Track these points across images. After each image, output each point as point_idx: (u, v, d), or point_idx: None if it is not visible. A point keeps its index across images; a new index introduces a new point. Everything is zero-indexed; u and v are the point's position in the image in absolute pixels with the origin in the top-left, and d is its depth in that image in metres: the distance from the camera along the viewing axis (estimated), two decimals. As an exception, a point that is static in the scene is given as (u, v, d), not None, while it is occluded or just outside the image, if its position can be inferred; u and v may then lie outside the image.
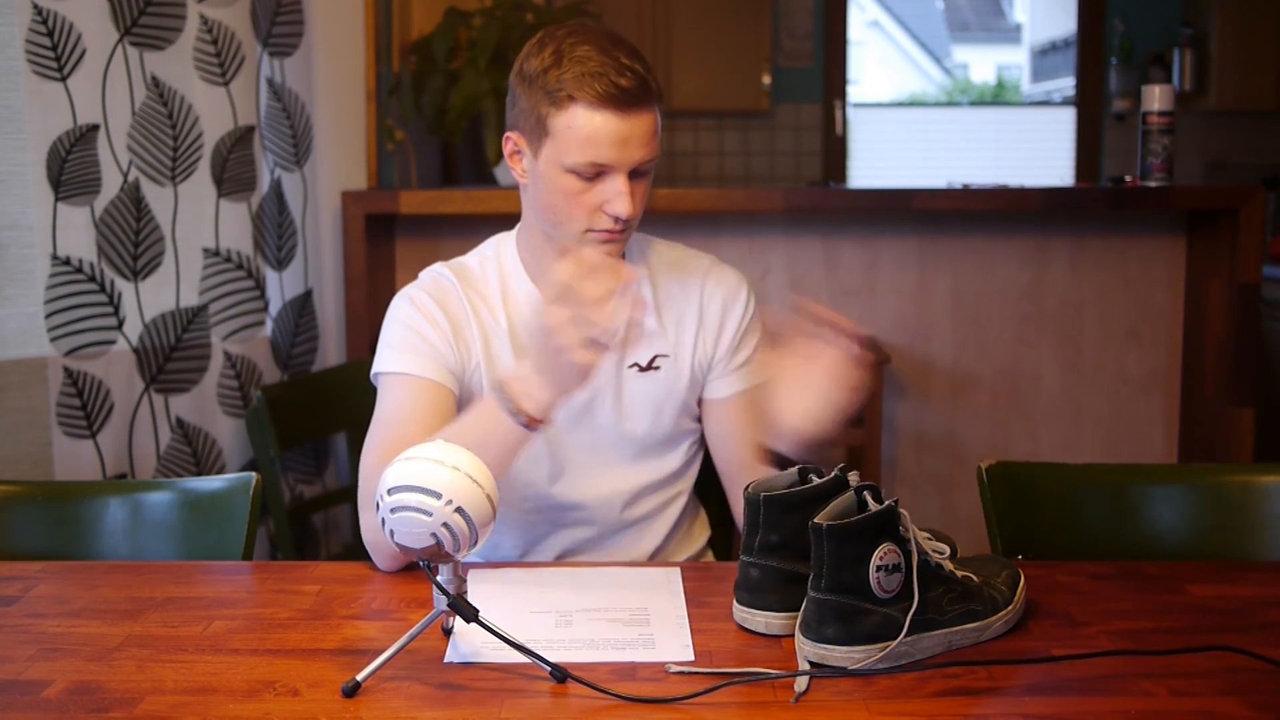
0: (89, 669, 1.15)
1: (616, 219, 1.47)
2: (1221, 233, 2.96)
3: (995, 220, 3.14)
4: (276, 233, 2.79)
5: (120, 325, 2.42)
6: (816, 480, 1.25)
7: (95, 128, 2.35)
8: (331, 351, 3.00)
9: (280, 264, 2.81)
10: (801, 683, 1.09)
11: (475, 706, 1.06)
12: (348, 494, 2.91)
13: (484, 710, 1.05)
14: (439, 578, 1.13)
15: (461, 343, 1.56)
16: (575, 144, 1.44)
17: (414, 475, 1.09)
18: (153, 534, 1.61)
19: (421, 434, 1.43)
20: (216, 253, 2.60)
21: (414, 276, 1.64)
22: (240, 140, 2.63)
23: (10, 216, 2.26)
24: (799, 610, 1.17)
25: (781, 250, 3.16)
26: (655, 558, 1.66)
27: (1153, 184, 2.91)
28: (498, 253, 1.63)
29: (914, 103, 8.85)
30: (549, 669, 1.11)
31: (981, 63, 10.43)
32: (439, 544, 1.09)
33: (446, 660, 1.16)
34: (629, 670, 1.14)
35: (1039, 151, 5.58)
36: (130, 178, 2.42)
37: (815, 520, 1.13)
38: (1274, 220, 4.66)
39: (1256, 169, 4.96)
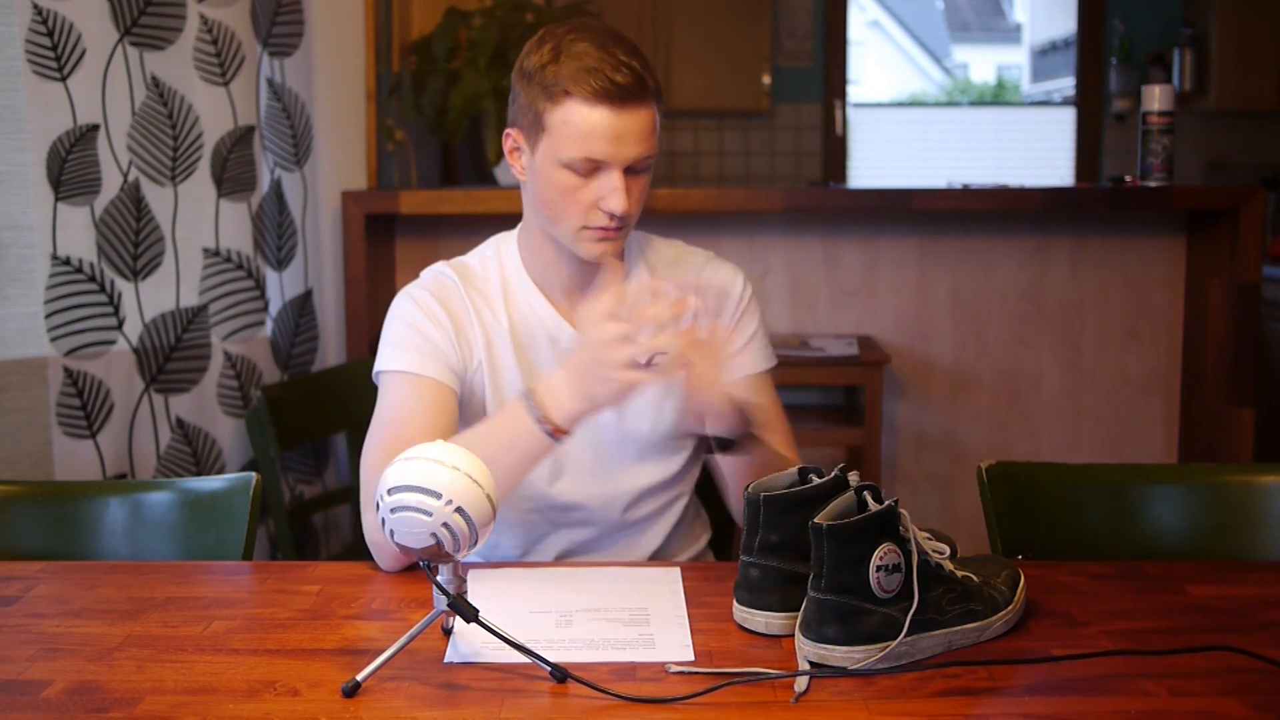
0: (89, 669, 1.14)
1: (612, 215, 1.46)
2: (1221, 233, 2.96)
3: (995, 220, 3.14)
4: (276, 233, 2.80)
5: (120, 325, 2.42)
6: (816, 480, 1.25)
7: (95, 128, 2.35)
8: (331, 351, 3.00)
9: (280, 264, 2.81)
10: (801, 683, 1.09)
11: (475, 706, 1.06)
12: (348, 494, 2.91)
13: (484, 710, 1.05)
14: (439, 578, 1.13)
15: (464, 342, 1.56)
16: (571, 139, 1.44)
17: (414, 475, 1.09)
18: (153, 534, 1.61)
19: (423, 433, 1.43)
20: (216, 253, 2.60)
21: (414, 276, 1.64)
22: (240, 140, 2.63)
23: (10, 216, 2.26)
24: (799, 610, 1.17)
25: (781, 250, 3.16)
26: (655, 558, 1.66)
27: (1153, 184, 2.91)
28: (498, 252, 1.63)
29: (914, 103, 8.86)
30: (549, 669, 1.11)
31: (981, 63, 10.43)
32: (439, 544, 1.09)
33: (446, 660, 1.16)
34: (629, 670, 1.14)
35: (1039, 151, 5.58)
36: (130, 178, 2.42)
37: (815, 520, 1.13)
38: (1274, 220, 4.66)
39: (1256, 169, 4.96)
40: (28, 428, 2.29)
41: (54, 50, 2.27)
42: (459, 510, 1.08)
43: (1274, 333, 4.12)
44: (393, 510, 1.09)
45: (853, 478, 1.23)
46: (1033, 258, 3.14)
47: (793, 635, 1.18)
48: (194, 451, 2.57)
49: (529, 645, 1.12)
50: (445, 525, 1.08)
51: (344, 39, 3.02)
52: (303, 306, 2.88)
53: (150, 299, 2.47)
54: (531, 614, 1.27)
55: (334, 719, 1.04)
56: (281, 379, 2.81)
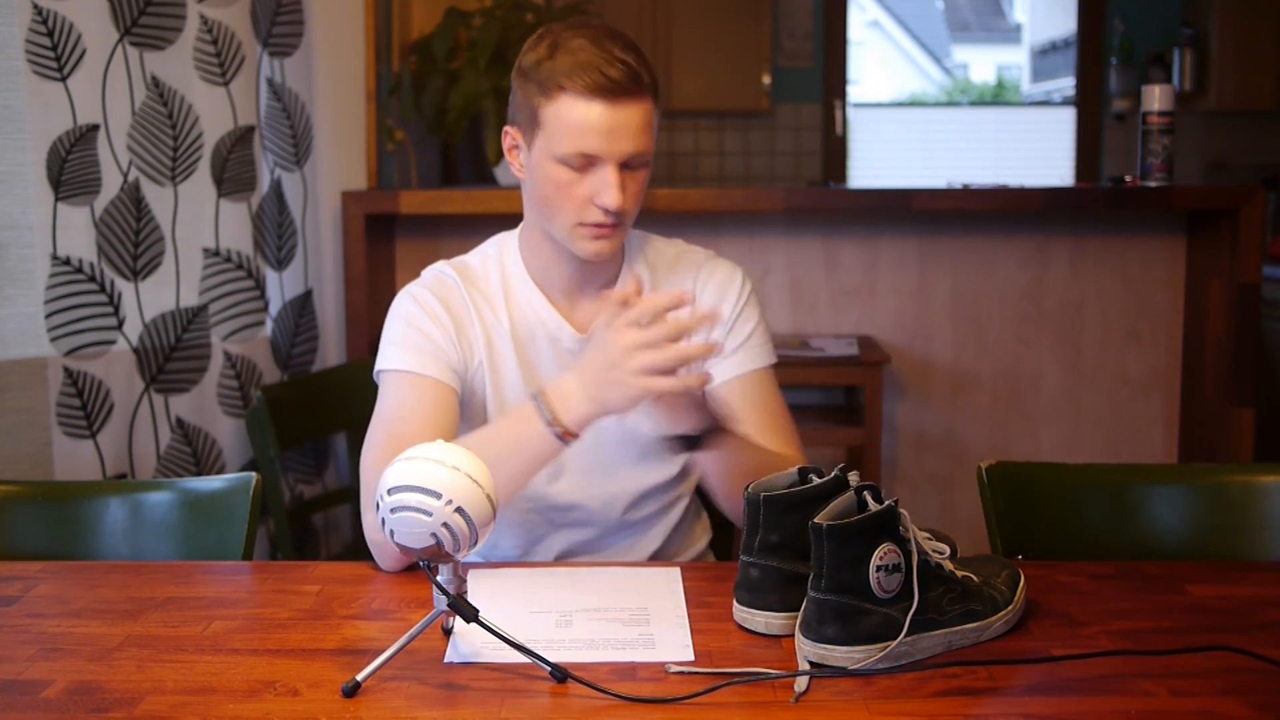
0: (89, 669, 1.14)
1: (607, 211, 1.46)
2: (1221, 233, 2.96)
3: (995, 220, 3.14)
4: (276, 233, 2.80)
5: (120, 325, 2.42)
6: (816, 480, 1.25)
7: (95, 128, 2.35)
8: (331, 351, 3.00)
9: (280, 264, 2.81)
10: (801, 683, 1.09)
11: (475, 706, 1.06)
12: (348, 494, 2.91)
13: (484, 710, 1.05)
14: (439, 578, 1.13)
15: (464, 341, 1.56)
16: (564, 134, 1.44)
17: (414, 475, 1.09)
18: (153, 534, 1.61)
19: (423, 432, 1.43)
20: (216, 253, 2.60)
21: (414, 276, 1.64)
22: (240, 140, 2.63)
23: (10, 216, 2.26)
24: (799, 610, 1.17)
25: (781, 250, 3.16)
26: (655, 559, 1.65)
27: (1153, 184, 2.91)
28: (500, 252, 1.63)
29: (914, 103, 8.86)
30: (549, 669, 1.11)
31: (981, 63, 10.43)
32: (439, 544, 1.09)
33: (446, 660, 1.16)
34: (629, 670, 1.14)
35: (1039, 151, 5.58)
36: (130, 178, 2.42)
37: (815, 520, 1.13)
38: (1274, 220, 4.66)
39: (1256, 169, 4.96)
40: (28, 428, 2.29)
41: (54, 50, 2.27)
42: (459, 510, 1.08)
43: (1274, 333, 4.12)
44: (393, 510, 1.09)
45: (853, 478, 1.23)
46: (1033, 258, 3.14)
47: (793, 635, 1.18)
48: (194, 451, 2.57)
49: (529, 645, 1.12)
50: (445, 525, 1.08)
51: (344, 39, 3.02)
52: (303, 306, 2.88)
53: (150, 299, 2.47)
54: (531, 614, 1.27)
55: (334, 719, 1.04)
56: (281, 379, 2.81)
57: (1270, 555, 1.58)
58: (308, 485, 2.88)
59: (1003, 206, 3.04)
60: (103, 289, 2.39)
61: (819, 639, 1.13)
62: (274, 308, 2.78)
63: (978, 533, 1.72)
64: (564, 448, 1.39)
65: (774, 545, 1.23)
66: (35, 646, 1.20)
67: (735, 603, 1.24)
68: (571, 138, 1.44)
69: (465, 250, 1.67)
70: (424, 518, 1.08)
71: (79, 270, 2.34)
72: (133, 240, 2.43)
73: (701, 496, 1.77)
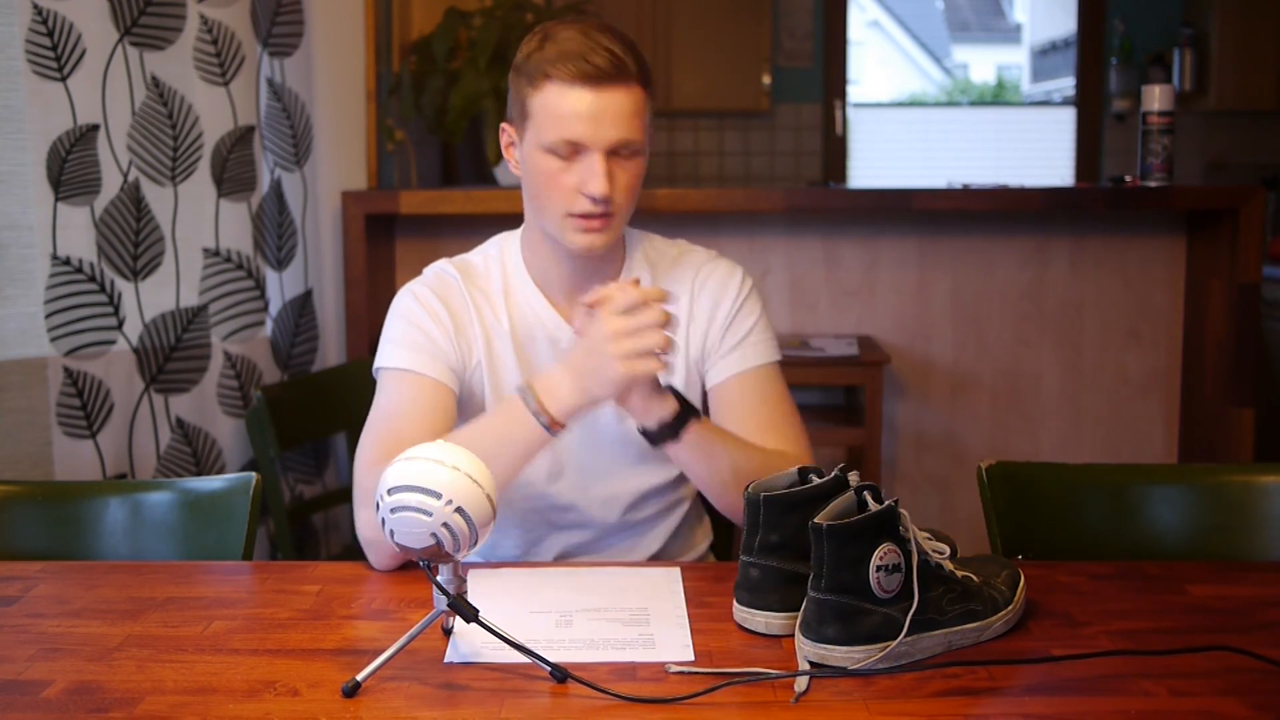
0: (89, 669, 1.14)
1: (594, 200, 1.46)
2: (1221, 233, 2.96)
3: (995, 220, 3.14)
4: (276, 233, 2.80)
5: (120, 325, 2.42)
6: (816, 480, 1.25)
7: (95, 128, 2.35)
8: (331, 351, 3.00)
9: (280, 264, 2.81)
10: (801, 683, 1.09)
11: (475, 706, 1.06)
12: (348, 494, 2.90)
13: (484, 710, 1.05)
14: (439, 578, 1.13)
15: (463, 340, 1.56)
16: (550, 122, 1.45)
17: (414, 475, 1.09)
18: (153, 534, 1.61)
19: (419, 431, 1.44)
20: (216, 253, 2.60)
21: (414, 276, 1.63)
22: (240, 140, 2.63)
23: (10, 216, 2.26)
24: (799, 610, 1.17)
25: (781, 250, 3.16)
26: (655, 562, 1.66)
27: (1153, 184, 2.91)
28: (501, 251, 1.63)
29: (914, 103, 8.86)
30: (549, 669, 1.11)
31: (981, 63, 10.43)
32: (439, 544, 1.09)
33: (446, 660, 1.16)
34: (629, 670, 1.13)
35: (1039, 151, 5.57)
36: (130, 178, 2.42)
37: (815, 520, 1.13)
38: (1274, 220, 4.66)
39: (1256, 169, 4.96)
40: (28, 428, 2.29)
41: (54, 50, 2.27)
42: (459, 510, 1.08)
43: (1274, 333, 4.12)
44: (393, 510, 1.09)
45: (853, 478, 1.23)
46: (1033, 258, 3.14)
47: (793, 635, 1.18)
48: (194, 451, 2.57)
49: (529, 645, 1.12)
50: (445, 525, 1.08)
51: (344, 39, 3.02)
52: (303, 306, 2.88)
53: (150, 299, 2.47)
54: (531, 614, 1.27)
55: (334, 719, 1.04)
56: (281, 379, 2.81)
57: (1270, 555, 1.58)
58: (308, 485, 2.88)
59: (1003, 206, 3.04)
60: (103, 289, 2.39)
61: (819, 639, 1.13)
62: (274, 308, 2.78)
63: (978, 533, 1.72)
64: (552, 438, 1.40)
65: (774, 545, 1.23)
66: (35, 646, 1.20)
67: (735, 603, 1.24)
68: (557, 125, 1.44)
69: (465, 250, 1.67)
70: (424, 518, 1.08)
71: (79, 270, 2.34)
72: (133, 240, 2.43)
73: (704, 500, 1.76)
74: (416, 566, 1.41)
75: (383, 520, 1.10)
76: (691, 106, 5.05)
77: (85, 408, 2.36)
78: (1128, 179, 3.03)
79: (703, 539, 1.75)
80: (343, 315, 3.00)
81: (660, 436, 1.43)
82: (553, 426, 1.39)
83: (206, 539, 1.58)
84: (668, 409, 1.42)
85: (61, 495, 1.67)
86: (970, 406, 3.19)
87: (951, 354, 3.17)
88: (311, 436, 2.81)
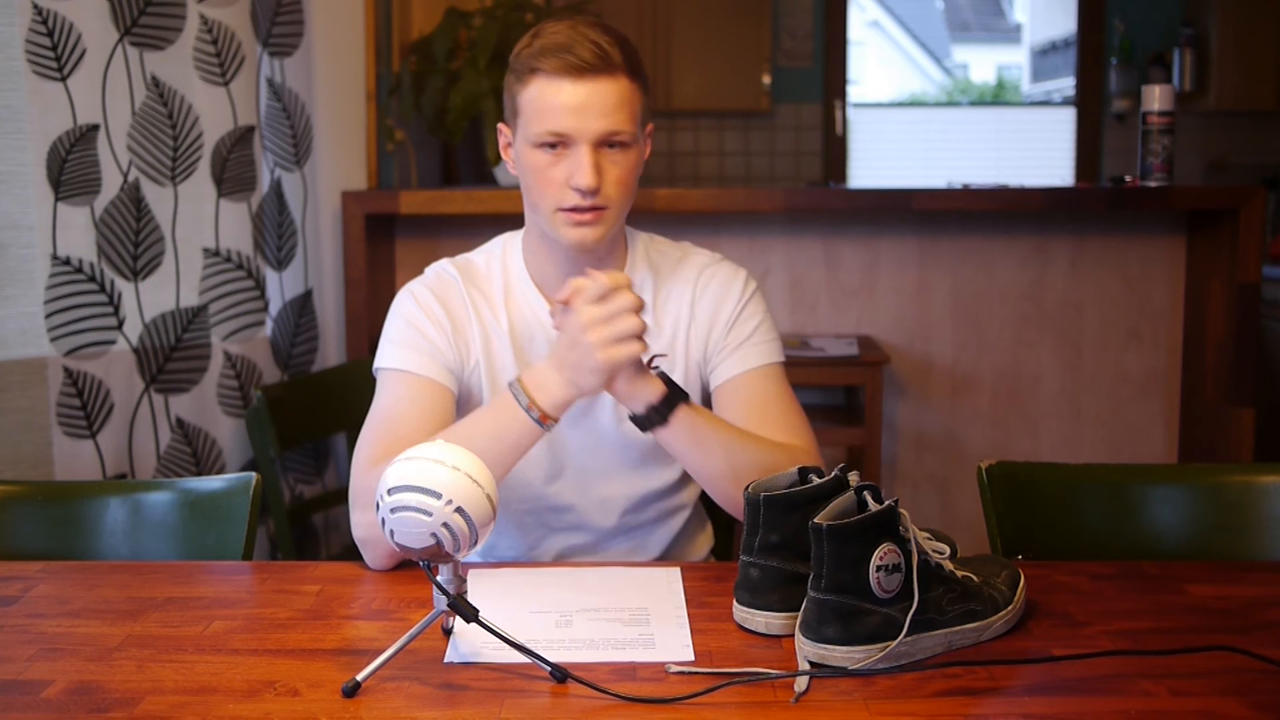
0: (89, 669, 1.14)
1: (582, 193, 1.46)
2: (1221, 233, 2.96)
3: (995, 220, 3.14)
4: (276, 233, 2.80)
5: (120, 325, 2.42)
6: (816, 480, 1.25)
7: (95, 128, 2.35)
8: (331, 351, 3.00)
9: (280, 264, 2.81)
10: (801, 683, 1.09)
11: (475, 706, 1.06)
12: (347, 494, 2.91)
13: (484, 710, 1.05)
14: (439, 578, 1.13)
15: (461, 341, 1.56)
16: (537, 115, 1.46)
17: (414, 475, 1.09)
18: (153, 534, 1.61)
19: (417, 432, 1.44)
20: (216, 253, 2.60)
21: (414, 276, 1.64)
22: (240, 140, 2.63)
23: (10, 216, 2.26)
24: (799, 610, 1.17)
25: (781, 250, 3.16)
26: (654, 565, 1.65)
27: (1153, 184, 2.91)
28: (504, 251, 1.63)
29: (914, 103, 8.85)
30: (549, 669, 1.11)
31: (981, 63, 10.43)
32: (439, 544, 1.09)
33: (446, 660, 1.16)
34: (629, 670, 1.13)
35: (1039, 151, 5.57)
36: (130, 178, 2.42)
37: (815, 520, 1.13)
38: (1274, 220, 4.66)
39: (1256, 169, 4.96)
40: (28, 428, 2.29)
41: (54, 50, 2.27)
42: (459, 510, 1.08)
43: (1274, 333, 4.12)
44: (393, 510, 1.09)
45: (853, 478, 1.23)
46: (1033, 258, 3.14)
47: (793, 635, 1.18)
48: (194, 451, 2.57)
49: (529, 645, 1.12)
50: (445, 525, 1.08)
51: (344, 39, 3.02)
52: (303, 306, 2.88)
53: (150, 299, 2.47)
54: (531, 614, 1.27)
55: (334, 719, 1.04)
56: (281, 379, 2.81)
57: (1270, 555, 1.58)
58: (308, 485, 2.88)
59: (1003, 206, 3.04)
60: (103, 289, 2.39)
61: (819, 639, 1.13)
62: (274, 308, 2.78)
63: (978, 533, 1.72)
64: (543, 432, 1.41)
65: (774, 545, 1.23)
66: (35, 646, 1.20)
67: (735, 603, 1.24)
68: (543, 118, 1.45)
69: (464, 251, 1.67)
70: (424, 518, 1.08)
71: (79, 270, 2.34)
72: (133, 240, 2.43)
73: (706, 505, 1.76)
74: (415, 565, 1.41)
75: (383, 520, 1.10)
76: (691, 106, 5.05)
77: (85, 408, 2.36)
78: (1128, 179, 3.03)
79: (704, 545, 1.75)
80: (343, 315, 3.00)
81: (649, 421, 1.43)
82: (544, 420, 1.40)
83: (206, 539, 1.58)
84: (654, 392, 1.42)
85: (61, 495, 1.67)
86: (970, 406, 3.19)
87: (951, 354, 3.17)
88: (311, 436, 2.81)
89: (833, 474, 1.25)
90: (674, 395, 1.43)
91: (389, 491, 1.10)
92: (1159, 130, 2.89)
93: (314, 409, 2.73)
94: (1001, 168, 5.70)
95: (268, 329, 2.75)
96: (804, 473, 1.27)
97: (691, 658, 1.16)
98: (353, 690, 1.08)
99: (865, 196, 3.25)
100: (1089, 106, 5.25)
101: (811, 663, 1.13)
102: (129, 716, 1.05)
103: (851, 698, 1.07)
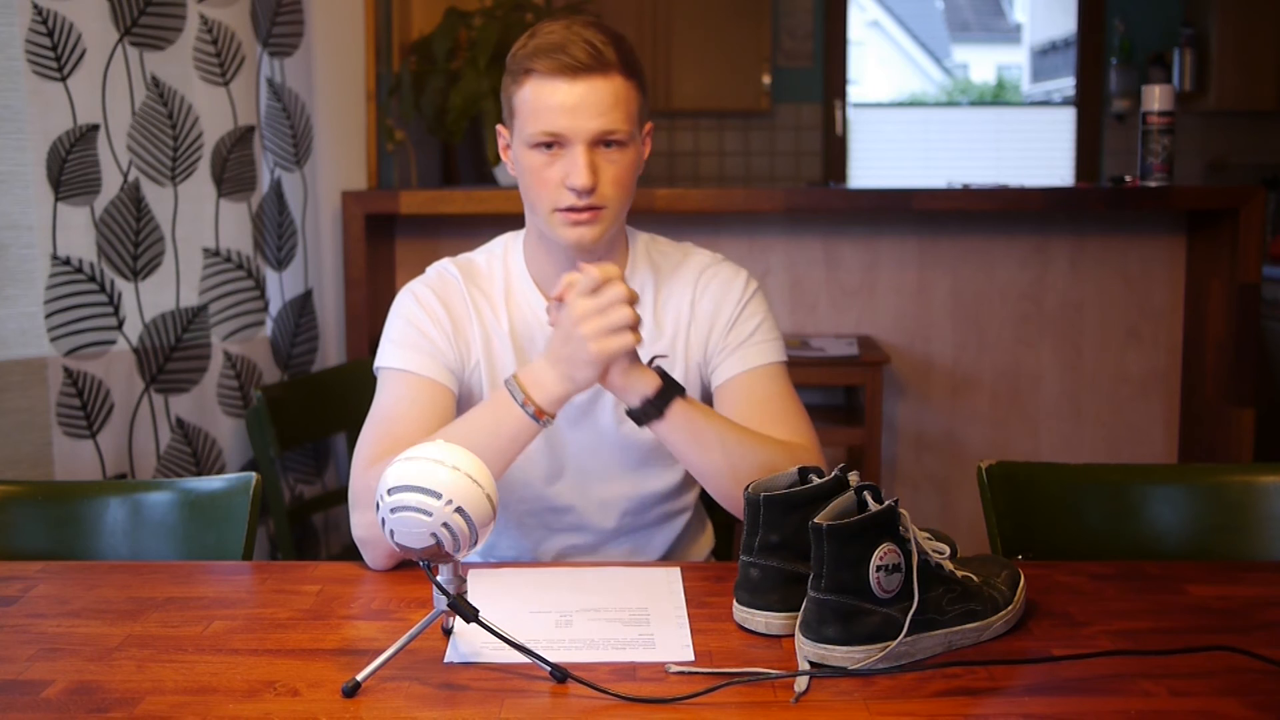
0: (89, 669, 1.14)
1: (578, 193, 1.45)
2: (1221, 233, 2.96)
3: (995, 220, 3.14)
4: (276, 233, 2.80)
5: (120, 325, 2.42)
6: (816, 480, 1.25)
7: (95, 128, 2.35)
8: (331, 351, 3.00)
9: (280, 264, 2.81)
10: (801, 683, 1.09)
11: (475, 706, 1.06)
12: (347, 494, 2.91)
13: (484, 710, 1.05)
14: (439, 578, 1.13)
15: (462, 341, 1.56)
16: (532, 115, 1.46)
17: (414, 475, 1.09)
18: (153, 534, 1.61)
19: (417, 432, 1.44)
20: (216, 253, 2.60)
21: (414, 276, 1.64)
22: (240, 140, 2.63)
23: (10, 216, 2.26)
24: (799, 610, 1.17)
25: (781, 250, 3.16)
26: (654, 567, 1.65)
27: (1153, 184, 2.91)
28: (505, 250, 1.63)
29: (914, 103, 8.85)
30: (549, 669, 1.11)
31: (981, 63, 10.43)
32: (439, 544, 1.09)
33: (446, 660, 1.16)
34: (629, 670, 1.13)
35: (1039, 151, 5.57)
36: (130, 178, 2.42)
37: (815, 520, 1.13)
38: (1274, 220, 4.66)
39: (1256, 169, 4.96)
40: (28, 428, 2.29)
41: (54, 50, 2.27)
42: (459, 510, 1.08)
43: (1274, 333, 4.12)
44: (393, 510, 1.09)
45: (853, 478, 1.23)
46: (1033, 258, 3.14)
47: (793, 635, 1.18)
48: (194, 451, 2.57)
49: (529, 645, 1.12)
50: (445, 525, 1.08)
51: (344, 39, 3.02)
52: (303, 306, 2.88)
53: (150, 299, 2.47)
54: (531, 614, 1.27)
55: (334, 719, 1.04)
56: (281, 379, 2.81)
57: (1270, 555, 1.58)
58: (308, 485, 2.88)
59: (1003, 206, 3.04)
60: (103, 289, 2.39)
61: (819, 639, 1.13)
62: (274, 308, 2.78)
63: (978, 533, 1.72)
64: (540, 428, 1.41)
65: (774, 545, 1.23)
66: (35, 646, 1.20)
67: (735, 603, 1.24)
68: (538, 119, 1.45)
69: (464, 251, 1.67)
70: (424, 518, 1.08)
71: (79, 270, 2.34)
72: (133, 240, 2.43)
73: (707, 507, 1.75)
74: (415, 565, 1.41)
75: (383, 520, 1.10)
76: (691, 106, 5.05)
77: (85, 408, 2.36)
78: (1128, 179, 3.03)
79: (704, 548, 1.75)
80: (343, 315, 3.00)
81: (645, 414, 1.43)
82: (540, 416, 1.40)
83: (206, 539, 1.58)
84: (649, 385, 1.42)
85: (61, 495, 1.67)
86: (970, 406, 3.19)
87: (951, 354, 3.17)
88: (311, 436, 2.81)
89: (833, 474, 1.25)
90: (670, 388, 1.43)
91: (389, 491, 1.10)
92: (1159, 130, 2.89)
93: (314, 409, 2.73)
94: (1001, 168, 5.69)
95: (268, 329, 2.75)
96: (804, 473, 1.27)
97: (691, 658, 1.16)
98: (353, 690, 1.08)
99: (865, 196, 3.25)
100: (1089, 106, 5.25)
101: (811, 663, 1.13)
102: (129, 716, 1.05)
103: (851, 698, 1.07)
